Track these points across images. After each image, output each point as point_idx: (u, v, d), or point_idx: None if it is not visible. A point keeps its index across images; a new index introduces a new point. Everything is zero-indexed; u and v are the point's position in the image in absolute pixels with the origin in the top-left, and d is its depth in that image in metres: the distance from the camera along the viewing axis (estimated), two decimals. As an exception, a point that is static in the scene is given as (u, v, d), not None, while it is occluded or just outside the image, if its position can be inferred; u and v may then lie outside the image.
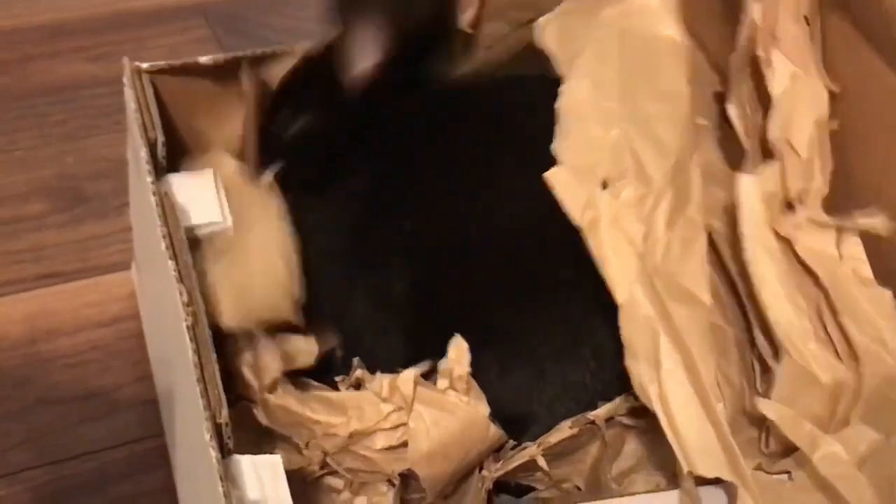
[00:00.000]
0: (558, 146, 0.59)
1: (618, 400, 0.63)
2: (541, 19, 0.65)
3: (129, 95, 0.70)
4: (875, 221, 0.55)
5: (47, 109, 1.00)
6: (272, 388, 0.65)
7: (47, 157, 0.96)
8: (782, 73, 0.58)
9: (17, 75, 1.04)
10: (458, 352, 0.63)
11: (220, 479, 0.52)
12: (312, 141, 0.69)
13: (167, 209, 0.63)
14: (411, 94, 0.68)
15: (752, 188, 0.56)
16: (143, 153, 0.65)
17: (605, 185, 0.58)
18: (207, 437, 0.53)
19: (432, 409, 0.62)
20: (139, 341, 0.80)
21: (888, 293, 0.56)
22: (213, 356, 0.57)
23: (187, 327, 0.57)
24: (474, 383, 0.63)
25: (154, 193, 0.63)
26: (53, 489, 0.72)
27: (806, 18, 0.60)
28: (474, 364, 0.64)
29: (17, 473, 0.73)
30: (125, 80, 0.71)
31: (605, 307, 0.58)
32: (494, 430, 0.63)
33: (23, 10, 1.12)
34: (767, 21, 0.58)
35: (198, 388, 0.55)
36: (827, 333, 0.56)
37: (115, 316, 0.83)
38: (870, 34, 0.57)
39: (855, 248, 0.57)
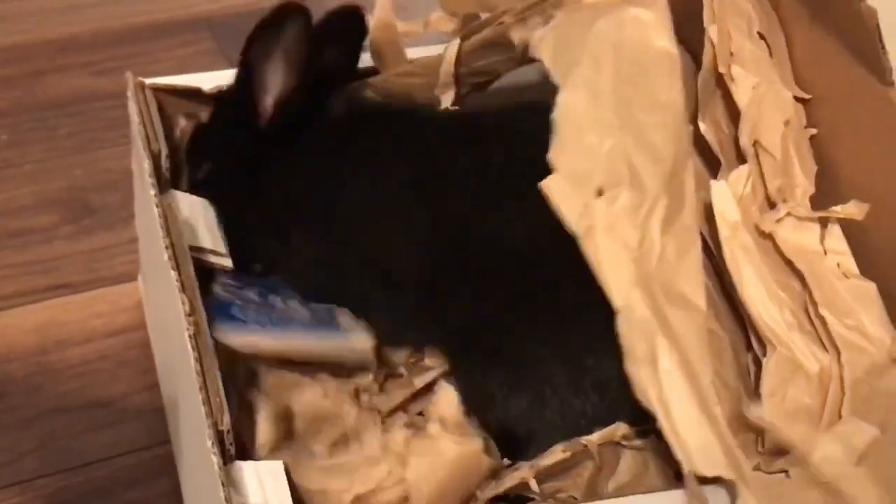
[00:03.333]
0: (554, 155, 0.59)
1: (613, 426, 0.64)
2: (536, 32, 0.66)
3: (132, 109, 0.71)
4: (850, 208, 0.57)
5: (57, 123, 1.02)
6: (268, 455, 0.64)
7: (56, 169, 0.97)
8: (745, 85, 0.61)
9: (27, 89, 1.06)
10: (448, 398, 0.65)
11: (222, 484, 0.53)
12: (216, 185, 0.72)
13: (170, 221, 0.64)
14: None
15: (723, 191, 0.58)
16: (146, 165, 0.67)
17: (600, 193, 0.59)
18: (209, 443, 0.54)
19: (427, 458, 0.63)
20: (146, 350, 0.82)
21: (871, 285, 0.57)
22: (216, 364, 0.58)
23: (189, 336, 0.58)
24: (466, 423, 0.65)
25: (157, 205, 0.64)
26: (64, 497, 0.74)
27: (760, 35, 0.63)
28: (484, 386, 0.66)
29: (29, 481, 0.74)
30: (129, 94, 0.72)
31: (611, 339, 0.58)
32: (487, 461, 0.64)
33: (33, 25, 1.14)
34: (723, 40, 0.61)
35: (200, 396, 0.56)
36: (812, 325, 0.57)
37: (123, 326, 0.84)
38: (851, 44, 0.58)
39: (838, 243, 0.58)
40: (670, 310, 0.57)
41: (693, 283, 0.57)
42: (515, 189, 0.64)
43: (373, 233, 0.70)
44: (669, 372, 0.55)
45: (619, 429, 0.63)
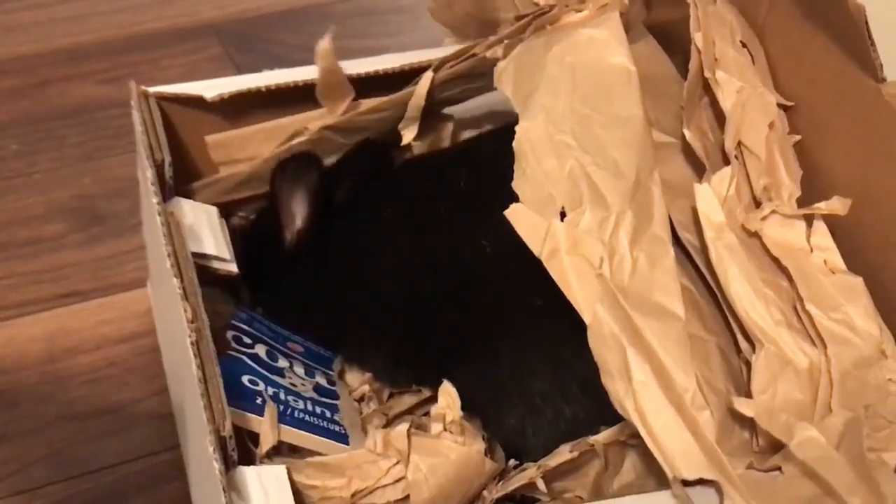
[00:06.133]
0: (516, 183, 0.61)
1: (619, 426, 0.64)
2: (498, 65, 0.67)
3: (136, 118, 0.72)
4: (833, 204, 0.58)
5: (65, 132, 1.03)
6: (269, 456, 0.65)
7: (65, 178, 0.98)
8: (729, 89, 0.62)
9: (35, 99, 1.07)
10: (449, 398, 0.66)
11: (224, 490, 0.53)
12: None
13: (173, 229, 0.65)
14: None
15: (707, 193, 0.59)
16: (150, 174, 0.67)
17: (563, 215, 0.60)
18: (211, 449, 0.55)
19: (428, 457, 0.63)
20: (155, 356, 0.82)
21: (858, 279, 0.58)
22: (218, 371, 0.59)
23: (191, 343, 0.58)
24: (468, 424, 0.65)
25: (160, 213, 0.65)
26: (74, 503, 0.74)
27: (742, 44, 0.64)
28: (476, 407, 0.67)
29: (39, 489, 0.75)
30: (132, 102, 0.73)
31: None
32: (490, 464, 0.65)
33: (41, 35, 1.15)
34: (707, 47, 0.62)
35: (202, 402, 0.56)
36: (801, 322, 0.57)
37: (132, 332, 0.85)
38: (842, 42, 0.59)
39: (824, 239, 0.59)
40: (646, 320, 0.57)
41: (668, 291, 0.58)
42: (480, 207, 0.65)
43: (366, 284, 0.73)
44: (643, 382, 0.57)
45: (626, 428, 0.64)
